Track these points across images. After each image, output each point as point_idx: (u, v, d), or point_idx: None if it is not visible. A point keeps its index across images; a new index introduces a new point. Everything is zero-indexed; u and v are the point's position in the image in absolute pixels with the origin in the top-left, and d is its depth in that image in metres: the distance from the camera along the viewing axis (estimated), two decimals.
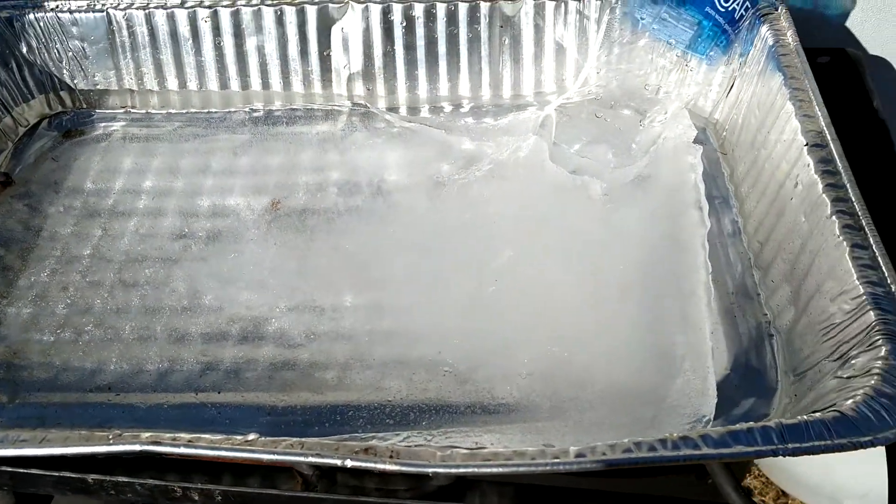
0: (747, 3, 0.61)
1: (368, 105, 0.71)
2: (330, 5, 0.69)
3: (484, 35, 0.69)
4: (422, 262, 0.58)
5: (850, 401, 0.41)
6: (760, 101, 0.61)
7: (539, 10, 0.68)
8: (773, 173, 0.57)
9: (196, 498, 0.52)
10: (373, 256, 0.59)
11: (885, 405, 0.41)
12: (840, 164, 0.52)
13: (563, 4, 0.68)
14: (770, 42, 0.61)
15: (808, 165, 0.52)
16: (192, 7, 0.69)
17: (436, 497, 0.48)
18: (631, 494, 0.52)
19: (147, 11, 0.69)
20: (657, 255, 0.56)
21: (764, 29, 0.62)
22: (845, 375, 0.44)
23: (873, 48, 0.75)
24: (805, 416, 0.41)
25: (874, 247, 0.47)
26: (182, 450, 0.43)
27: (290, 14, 0.69)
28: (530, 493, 0.49)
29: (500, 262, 0.56)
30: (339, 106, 0.71)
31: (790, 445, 0.40)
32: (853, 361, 0.45)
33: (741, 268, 0.58)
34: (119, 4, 0.70)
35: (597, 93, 0.67)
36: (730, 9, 0.60)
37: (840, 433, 0.40)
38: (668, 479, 0.54)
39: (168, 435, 0.44)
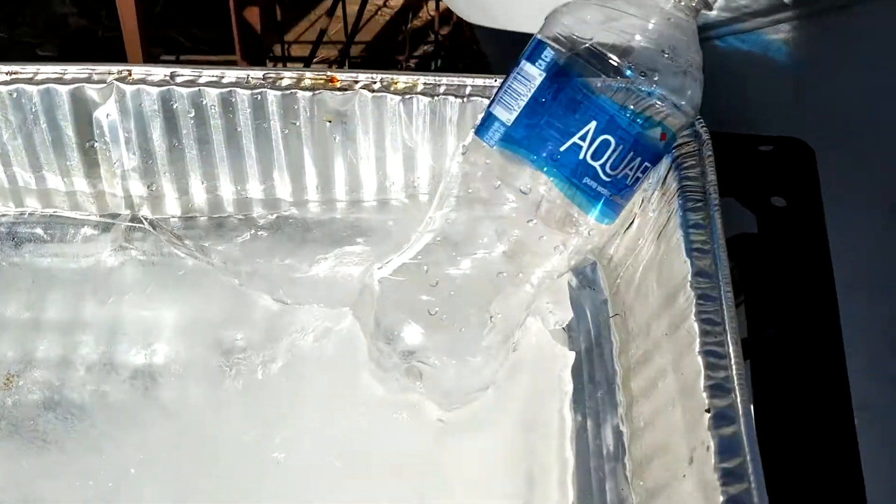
0: (646, 163, 0.43)
1: (145, 222, 0.52)
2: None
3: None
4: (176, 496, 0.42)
5: None
6: (660, 256, 0.45)
7: None
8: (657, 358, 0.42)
9: None
10: (112, 489, 0.43)
11: None
12: (732, 350, 0.37)
13: None
14: (675, 187, 0.45)
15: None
16: None
17: None
18: None
19: None
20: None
21: (671, 174, 0.45)
22: None
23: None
24: None
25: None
26: None
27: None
28: None
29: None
30: (110, 220, 0.53)
31: None
32: None
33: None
34: None
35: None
36: (619, 176, 0.42)
37: None
38: None
39: None
